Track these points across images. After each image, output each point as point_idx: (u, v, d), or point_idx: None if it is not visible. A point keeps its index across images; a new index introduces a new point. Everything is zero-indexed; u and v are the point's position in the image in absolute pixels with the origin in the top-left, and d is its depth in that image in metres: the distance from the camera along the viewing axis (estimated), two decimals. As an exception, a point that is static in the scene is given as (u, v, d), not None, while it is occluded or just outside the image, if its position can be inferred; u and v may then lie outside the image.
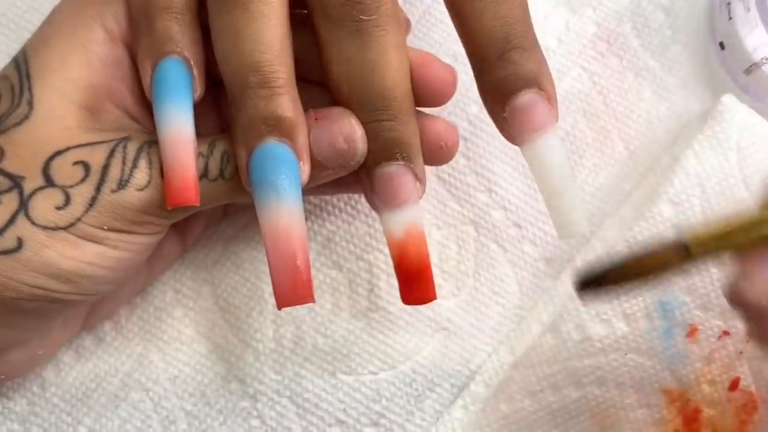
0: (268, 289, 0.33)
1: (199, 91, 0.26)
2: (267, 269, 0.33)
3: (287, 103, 0.25)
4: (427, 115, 0.28)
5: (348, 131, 0.26)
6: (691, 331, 0.31)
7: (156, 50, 0.26)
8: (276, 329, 0.33)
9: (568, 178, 0.26)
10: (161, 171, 0.25)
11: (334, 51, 0.26)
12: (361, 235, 0.33)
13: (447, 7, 0.27)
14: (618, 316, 0.31)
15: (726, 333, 0.31)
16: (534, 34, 0.26)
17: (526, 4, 0.26)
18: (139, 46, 0.26)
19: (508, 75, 0.25)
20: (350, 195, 0.34)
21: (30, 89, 0.26)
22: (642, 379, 0.31)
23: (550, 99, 0.26)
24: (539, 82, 0.26)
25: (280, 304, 0.25)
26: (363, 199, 0.34)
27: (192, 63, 0.26)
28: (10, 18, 0.35)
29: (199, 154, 0.26)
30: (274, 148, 0.25)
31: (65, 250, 0.25)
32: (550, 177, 0.26)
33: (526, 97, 0.25)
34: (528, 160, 0.26)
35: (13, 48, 0.34)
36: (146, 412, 0.32)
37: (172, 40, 0.26)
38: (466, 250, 0.34)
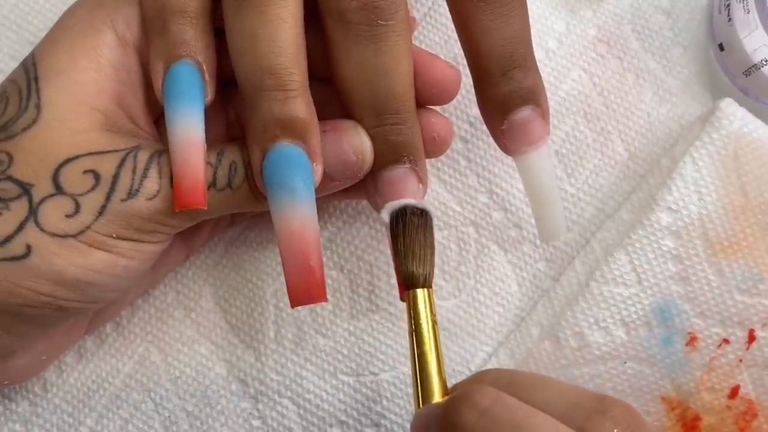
0: (269, 290, 0.33)
1: (210, 95, 0.26)
2: (268, 270, 0.33)
3: (301, 106, 0.25)
4: (420, 107, 0.28)
5: (357, 144, 0.26)
6: (691, 340, 0.31)
7: (169, 53, 0.26)
8: (277, 330, 0.33)
9: (555, 189, 0.28)
10: (171, 180, 0.25)
11: (346, 53, 0.26)
12: (362, 236, 0.34)
13: (454, 23, 0.28)
14: (617, 324, 0.31)
15: (726, 341, 0.31)
16: (533, 53, 0.28)
17: (528, 24, 0.27)
18: (151, 48, 0.26)
19: (510, 91, 0.27)
20: (351, 196, 0.34)
21: (38, 92, 0.26)
22: (641, 387, 0.31)
23: (545, 115, 0.28)
24: (536, 99, 0.27)
25: (294, 303, 0.25)
26: (364, 201, 0.34)
27: (204, 67, 0.26)
28: (12, 20, 0.35)
29: (207, 164, 0.26)
30: (288, 149, 0.25)
31: (73, 258, 0.25)
32: (539, 187, 0.28)
33: (525, 113, 0.27)
34: (520, 169, 0.28)
35: (15, 50, 0.35)
36: (147, 413, 0.33)
37: (185, 43, 0.26)
38: (467, 251, 0.34)
